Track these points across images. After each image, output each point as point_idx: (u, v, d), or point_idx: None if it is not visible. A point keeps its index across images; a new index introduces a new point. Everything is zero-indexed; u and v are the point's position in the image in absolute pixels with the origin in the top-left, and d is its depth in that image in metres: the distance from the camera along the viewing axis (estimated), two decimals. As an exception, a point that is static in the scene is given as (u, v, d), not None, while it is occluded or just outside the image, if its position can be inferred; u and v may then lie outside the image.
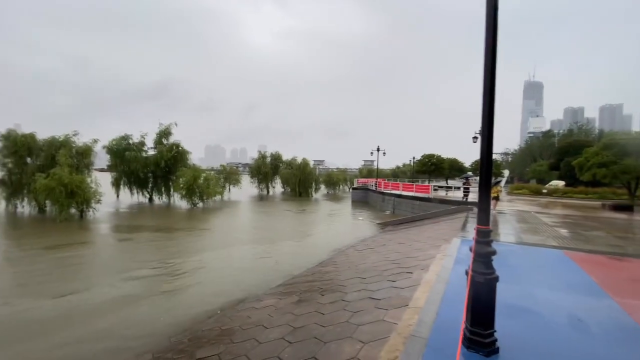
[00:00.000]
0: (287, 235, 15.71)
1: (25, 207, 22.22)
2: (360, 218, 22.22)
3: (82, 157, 23.02)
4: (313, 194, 43.08)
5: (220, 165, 47.53)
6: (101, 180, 21.48)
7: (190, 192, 26.09)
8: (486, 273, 2.89)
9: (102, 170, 31.51)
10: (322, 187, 48.78)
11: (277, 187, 48.24)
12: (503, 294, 3.35)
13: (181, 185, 26.32)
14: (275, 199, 37.64)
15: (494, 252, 2.95)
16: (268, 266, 9.92)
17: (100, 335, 5.71)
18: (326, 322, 4.41)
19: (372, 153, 39.40)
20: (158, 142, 30.68)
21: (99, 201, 20.33)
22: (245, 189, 42.99)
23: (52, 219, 18.38)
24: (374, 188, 33.81)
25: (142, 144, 30.70)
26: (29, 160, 22.78)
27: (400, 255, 8.02)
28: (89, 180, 20.42)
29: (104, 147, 28.49)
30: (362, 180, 45.82)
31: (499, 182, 27.17)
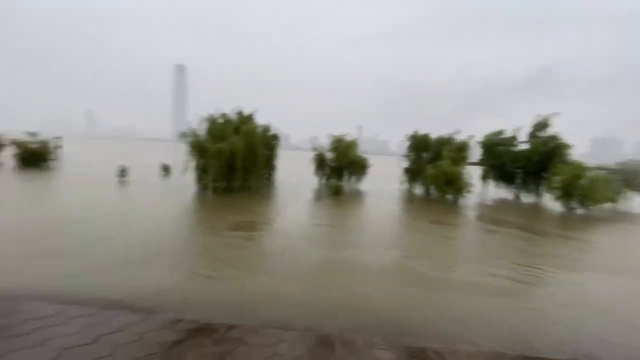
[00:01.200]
0: None
1: (418, 189, 29.89)
2: None
3: (459, 151, 26.82)
4: None
5: (617, 164, 34.81)
6: (471, 173, 23.94)
7: (567, 193, 21.91)
8: None
9: (472, 164, 34.81)
10: None
11: None
12: None
13: (555, 185, 22.78)
14: None
15: None
16: None
17: (453, 309, 6.56)
18: None
19: None
20: (532, 135, 28.49)
21: (469, 191, 22.99)
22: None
23: (433, 200, 23.33)
24: None
25: (514, 138, 30.01)
26: (423, 154, 30.23)
27: None
28: (463, 172, 23.53)
29: (478, 142, 31.12)
30: None
31: None
